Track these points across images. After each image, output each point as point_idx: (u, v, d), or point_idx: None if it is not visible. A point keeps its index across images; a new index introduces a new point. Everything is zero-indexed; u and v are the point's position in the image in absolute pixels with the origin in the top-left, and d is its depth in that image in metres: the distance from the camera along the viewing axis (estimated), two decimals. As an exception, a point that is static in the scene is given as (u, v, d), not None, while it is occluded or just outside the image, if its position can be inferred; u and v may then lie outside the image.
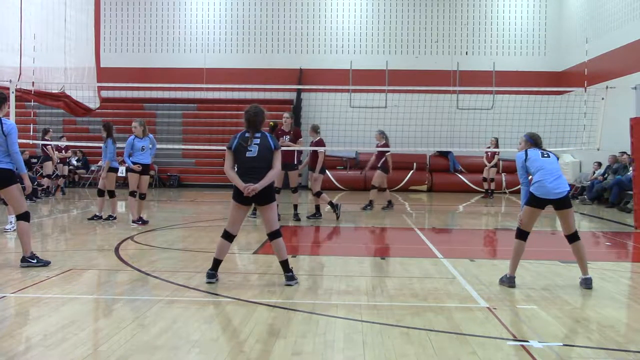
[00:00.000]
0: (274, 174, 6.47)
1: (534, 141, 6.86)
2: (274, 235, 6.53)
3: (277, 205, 12.71)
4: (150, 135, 11.72)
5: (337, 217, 12.72)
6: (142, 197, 11.55)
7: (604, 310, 5.77)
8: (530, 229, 6.75)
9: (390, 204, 15.13)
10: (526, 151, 6.77)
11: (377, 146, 14.97)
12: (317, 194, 12.86)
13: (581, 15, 22.41)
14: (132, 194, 11.44)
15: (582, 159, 20.61)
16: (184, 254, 8.78)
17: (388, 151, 14.90)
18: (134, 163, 11.37)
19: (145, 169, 11.54)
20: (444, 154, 22.63)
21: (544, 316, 5.50)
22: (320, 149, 12.84)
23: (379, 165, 14.95)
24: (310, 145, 13.08)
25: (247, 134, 6.46)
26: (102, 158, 12.15)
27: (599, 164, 18.61)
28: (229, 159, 6.54)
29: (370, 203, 14.97)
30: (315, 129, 13.14)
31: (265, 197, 6.45)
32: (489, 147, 18.70)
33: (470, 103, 21.99)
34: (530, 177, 6.74)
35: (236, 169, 6.52)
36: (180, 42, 25.10)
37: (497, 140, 18.64)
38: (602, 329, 5.16)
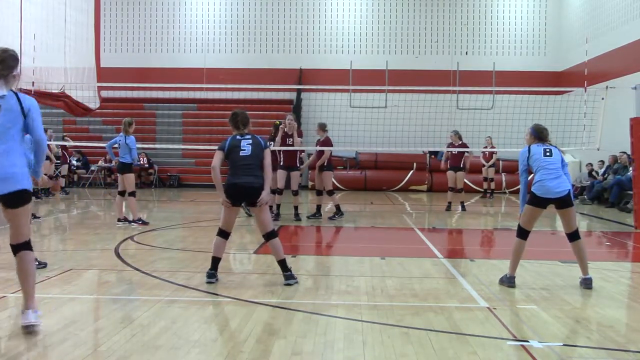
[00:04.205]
0: (269, 174, 6.70)
1: (538, 134, 6.83)
2: (269, 235, 6.65)
3: (279, 205, 12.78)
4: (122, 136, 11.38)
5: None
6: (131, 194, 11.44)
7: (604, 310, 5.77)
8: (531, 228, 6.76)
9: (461, 205, 15.23)
10: (529, 148, 6.78)
11: (452, 146, 15.15)
12: (330, 193, 12.86)
13: (581, 15, 22.41)
14: (121, 193, 11.48)
15: (582, 159, 20.61)
16: (184, 254, 8.78)
17: (468, 151, 15.25)
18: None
19: (122, 168, 11.40)
20: (434, 153, 22.55)
21: (544, 316, 5.50)
22: (327, 149, 12.84)
23: (462, 166, 15.15)
24: (317, 144, 13.07)
25: (238, 137, 6.68)
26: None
27: (602, 163, 18.60)
28: (218, 158, 6.66)
29: (462, 205, 15.17)
30: (323, 127, 13.09)
31: (260, 198, 6.56)
32: (485, 147, 18.71)
33: (470, 103, 21.97)
34: (531, 175, 6.76)
35: (230, 168, 6.68)
36: (180, 42, 25.09)
37: (491, 139, 18.69)
38: (602, 329, 5.16)
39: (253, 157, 6.57)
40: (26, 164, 4.88)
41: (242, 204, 6.94)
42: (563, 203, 6.58)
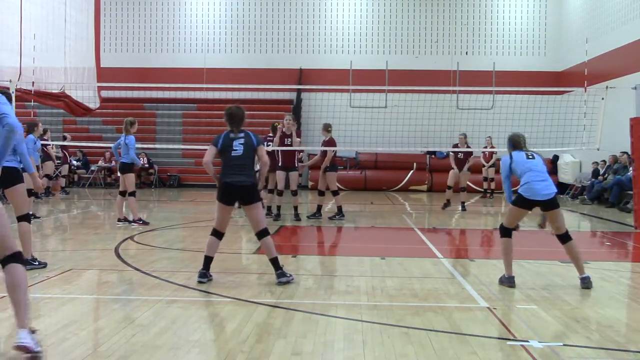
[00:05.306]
0: (265, 169, 6.95)
1: (514, 144, 6.92)
2: (261, 234, 6.68)
3: (279, 206, 12.77)
4: (123, 135, 11.45)
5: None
6: (131, 194, 11.45)
7: (604, 310, 5.77)
8: (514, 226, 6.79)
9: (462, 205, 15.20)
10: (511, 154, 6.84)
11: (457, 147, 15.16)
12: (334, 193, 12.86)
13: (581, 15, 22.40)
14: (122, 193, 11.48)
15: (582, 159, 20.60)
16: (184, 254, 8.78)
17: (472, 152, 15.30)
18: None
19: (123, 168, 11.41)
20: (432, 153, 22.53)
21: (544, 316, 5.50)
22: (330, 149, 12.84)
23: (467, 169, 15.17)
24: (322, 144, 13.08)
25: (231, 134, 6.72)
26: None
27: (605, 162, 18.58)
28: (211, 154, 6.75)
29: (462, 205, 15.14)
30: (327, 128, 13.09)
31: (251, 196, 6.62)
32: (485, 147, 18.71)
33: (470, 103, 21.97)
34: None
35: (222, 166, 6.73)
36: (180, 42, 25.09)
37: (491, 138, 18.70)
38: (602, 329, 5.16)
39: (244, 157, 6.63)
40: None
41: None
42: (549, 205, 6.63)
